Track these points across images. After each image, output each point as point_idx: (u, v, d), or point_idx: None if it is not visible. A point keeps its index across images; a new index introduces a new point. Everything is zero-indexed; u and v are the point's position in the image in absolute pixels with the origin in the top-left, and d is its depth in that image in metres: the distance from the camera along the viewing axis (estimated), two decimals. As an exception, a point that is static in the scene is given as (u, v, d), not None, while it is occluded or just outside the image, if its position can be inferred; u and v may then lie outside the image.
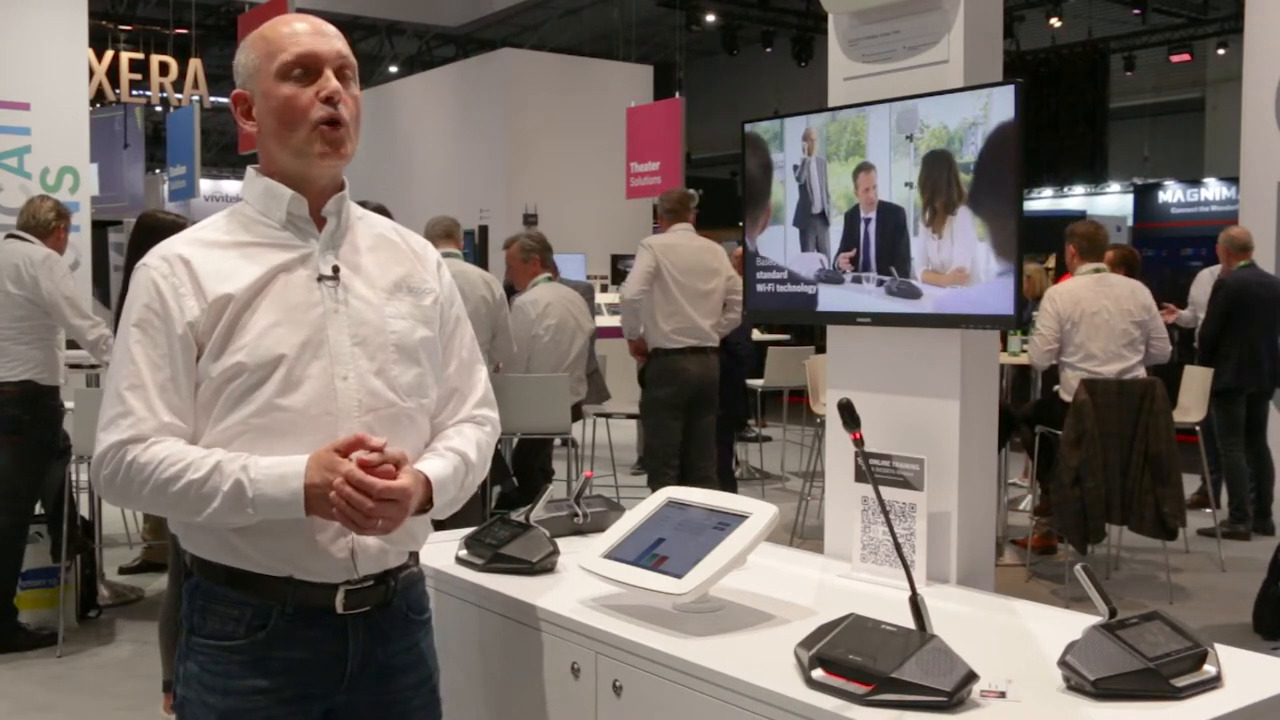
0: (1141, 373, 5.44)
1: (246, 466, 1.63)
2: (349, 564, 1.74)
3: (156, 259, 1.74)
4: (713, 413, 6.09)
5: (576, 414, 6.25)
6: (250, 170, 1.83)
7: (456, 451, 1.82)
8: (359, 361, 1.74)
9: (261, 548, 1.70)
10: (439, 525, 1.94)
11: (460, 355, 1.92)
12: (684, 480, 5.76)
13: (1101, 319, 5.41)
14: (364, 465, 1.63)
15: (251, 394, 1.68)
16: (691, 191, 6.21)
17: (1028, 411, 6.09)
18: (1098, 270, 5.59)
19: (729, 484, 6.83)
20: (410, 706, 1.85)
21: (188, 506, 1.64)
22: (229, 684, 1.71)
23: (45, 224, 4.88)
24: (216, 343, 1.69)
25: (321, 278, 1.76)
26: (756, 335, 9.14)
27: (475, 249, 14.06)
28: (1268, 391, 6.75)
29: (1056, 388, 5.67)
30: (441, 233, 5.68)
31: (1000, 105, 2.29)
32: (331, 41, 1.76)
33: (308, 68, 1.73)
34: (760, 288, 2.84)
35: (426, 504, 1.74)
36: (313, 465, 1.63)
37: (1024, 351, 6.02)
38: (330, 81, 1.73)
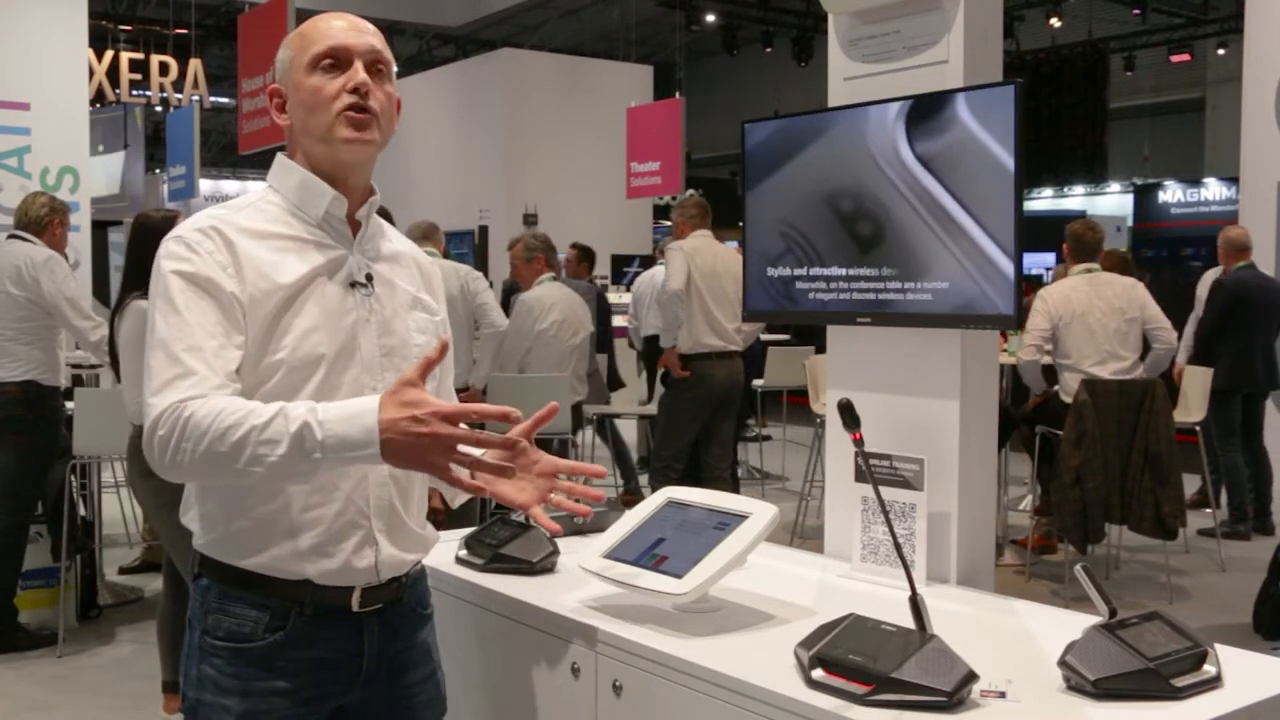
0: (1140, 372, 5.44)
1: (314, 409, 1.52)
2: (372, 571, 1.74)
3: (194, 233, 1.66)
4: (735, 416, 6.09)
5: (577, 414, 6.25)
6: (282, 158, 1.78)
7: None
8: (387, 373, 1.73)
9: (281, 556, 1.67)
10: (438, 525, 1.94)
11: (451, 369, 1.96)
12: (698, 479, 5.77)
13: (1094, 318, 5.42)
14: (429, 362, 1.54)
15: (288, 398, 1.63)
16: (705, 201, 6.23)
17: (1027, 411, 6.09)
18: (1089, 270, 5.60)
19: (733, 483, 6.83)
20: (418, 701, 1.86)
21: (247, 457, 1.51)
22: (247, 686, 1.69)
23: (39, 219, 4.88)
24: (257, 341, 1.64)
25: (354, 284, 1.74)
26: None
27: (475, 249, 14.08)
28: (1263, 392, 6.76)
29: (1056, 387, 5.67)
30: (420, 235, 5.74)
31: (1000, 105, 2.30)
32: (365, 37, 1.74)
33: (338, 59, 1.71)
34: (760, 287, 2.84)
35: None
36: (387, 401, 1.50)
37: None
38: (359, 73, 1.71)
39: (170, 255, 1.66)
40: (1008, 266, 2.31)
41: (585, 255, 8.35)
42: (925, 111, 2.41)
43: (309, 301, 1.68)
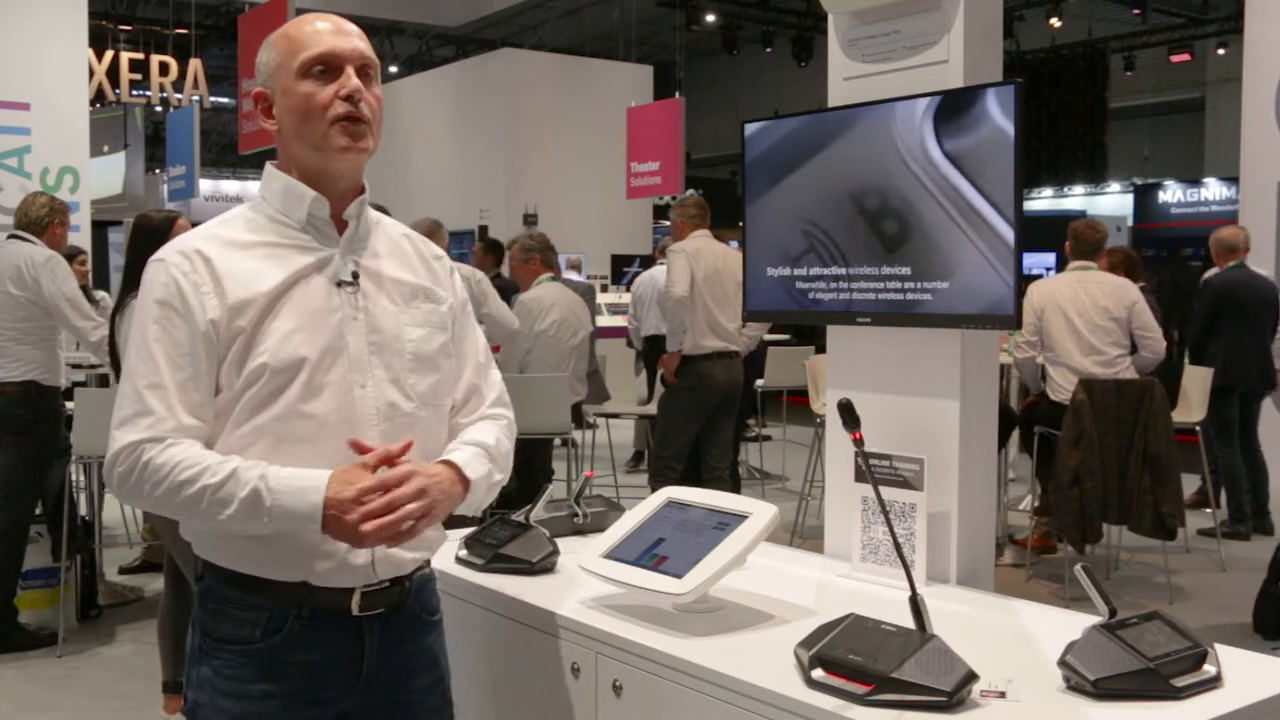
0: (1132, 371, 5.44)
1: (265, 476, 1.60)
2: (369, 570, 1.73)
3: (175, 255, 1.70)
4: (735, 417, 6.09)
5: (577, 414, 6.25)
6: (269, 167, 1.80)
7: (475, 443, 1.81)
8: (375, 370, 1.73)
9: (278, 556, 1.68)
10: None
11: (476, 358, 1.93)
12: (698, 479, 5.77)
13: (1072, 310, 5.43)
14: (386, 455, 1.66)
15: (274, 399, 1.66)
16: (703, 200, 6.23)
17: (1023, 412, 6.09)
18: (1084, 268, 5.62)
19: (733, 482, 6.83)
20: (423, 709, 1.85)
21: (201, 511, 1.61)
22: (244, 688, 1.70)
23: (39, 220, 4.88)
24: (239, 350, 1.66)
25: (340, 283, 1.74)
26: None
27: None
28: (1258, 392, 6.74)
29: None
30: (423, 233, 5.71)
31: (1000, 105, 2.29)
32: (353, 40, 1.75)
33: (329, 66, 1.71)
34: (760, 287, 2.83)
35: (462, 490, 1.74)
36: (335, 480, 1.61)
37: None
38: (351, 80, 1.71)
39: (151, 279, 1.72)
40: (1012, 265, 2.31)
41: (491, 248, 8.40)
42: (953, 108, 2.39)
43: (290, 304, 1.70)
